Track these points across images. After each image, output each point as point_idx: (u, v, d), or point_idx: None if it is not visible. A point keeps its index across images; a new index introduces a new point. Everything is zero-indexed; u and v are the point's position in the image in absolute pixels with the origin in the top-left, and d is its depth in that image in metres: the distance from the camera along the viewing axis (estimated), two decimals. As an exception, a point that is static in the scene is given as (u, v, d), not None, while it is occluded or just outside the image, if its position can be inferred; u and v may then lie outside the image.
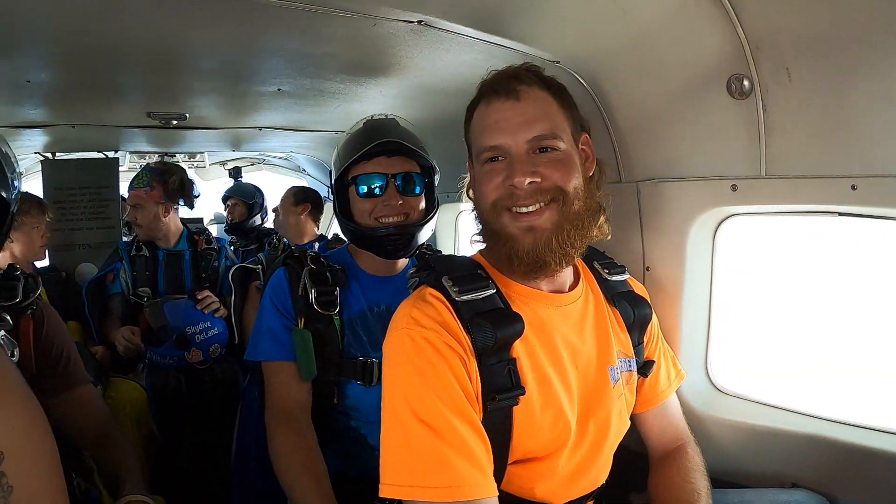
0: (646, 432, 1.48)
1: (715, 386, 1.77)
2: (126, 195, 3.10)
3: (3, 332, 1.43)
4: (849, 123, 1.28)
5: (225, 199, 4.56)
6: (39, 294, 1.68)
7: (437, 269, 1.23)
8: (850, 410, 1.53)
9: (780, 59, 1.31)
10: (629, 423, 1.36)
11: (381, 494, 1.03)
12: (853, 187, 1.30)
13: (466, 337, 1.13)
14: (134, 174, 3.20)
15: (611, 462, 1.33)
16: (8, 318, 1.47)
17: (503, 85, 1.19)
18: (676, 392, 1.54)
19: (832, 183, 1.33)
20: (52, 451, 1.06)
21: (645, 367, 1.41)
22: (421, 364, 1.08)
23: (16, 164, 1.55)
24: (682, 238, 1.67)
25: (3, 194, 1.51)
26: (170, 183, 2.98)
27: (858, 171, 1.29)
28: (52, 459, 1.05)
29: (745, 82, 1.38)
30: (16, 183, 1.54)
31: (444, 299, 1.16)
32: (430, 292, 1.19)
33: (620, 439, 1.34)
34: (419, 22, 1.47)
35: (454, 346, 1.10)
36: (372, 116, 1.77)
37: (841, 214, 1.41)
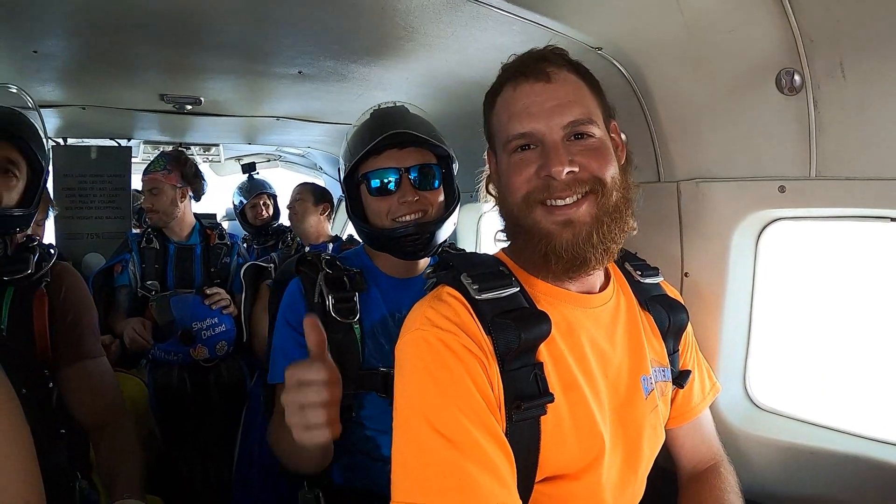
0: (677, 449, 1.46)
1: (753, 402, 1.75)
2: (141, 182, 3.16)
3: None
4: (905, 123, 1.26)
5: (250, 197, 4.46)
6: (56, 262, 1.73)
7: (456, 266, 1.20)
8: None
9: (834, 54, 1.30)
10: (664, 437, 1.33)
11: None
12: (908, 190, 1.28)
13: (487, 339, 1.09)
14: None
15: (645, 482, 1.30)
16: None
17: (531, 67, 1.17)
18: (712, 407, 1.52)
19: (886, 185, 1.31)
20: (26, 444, 1.04)
21: (681, 378, 1.38)
22: (437, 369, 1.04)
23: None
24: (724, 243, 1.66)
25: (41, 159, 1.62)
26: (186, 167, 3.09)
27: (914, 172, 1.28)
28: (24, 453, 1.03)
29: (796, 77, 1.37)
30: (48, 150, 1.66)
31: (463, 298, 1.14)
32: (447, 291, 1.16)
33: (655, 456, 1.31)
34: None
35: (473, 350, 1.06)
36: (379, 105, 1.75)
37: (894, 220, 1.40)
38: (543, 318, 1.11)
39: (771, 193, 1.52)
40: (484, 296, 1.12)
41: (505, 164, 1.20)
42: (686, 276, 1.76)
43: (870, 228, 1.52)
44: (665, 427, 1.37)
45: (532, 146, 1.15)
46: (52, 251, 1.75)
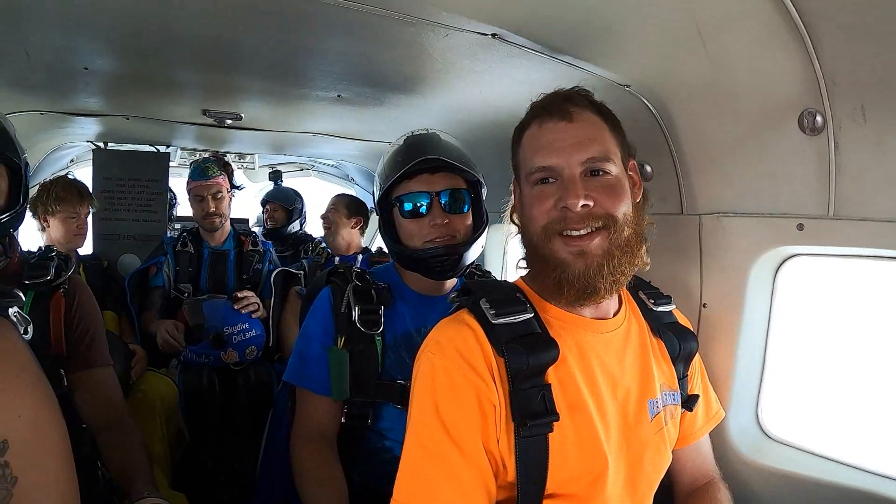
0: (678, 470, 1.51)
1: (765, 432, 1.78)
2: (197, 187, 3.25)
3: (15, 309, 1.47)
4: (923, 166, 1.29)
5: (264, 203, 4.71)
6: (74, 273, 1.81)
7: (476, 292, 1.28)
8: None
9: (855, 97, 1.33)
10: (670, 458, 1.38)
11: None
12: (923, 233, 1.31)
13: (499, 360, 1.18)
14: (184, 170, 3.40)
15: (651, 500, 1.35)
16: (21, 294, 1.53)
17: (556, 106, 1.24)
18: (723, 436, 1.58)
19: (901, 227, 1.34)
20: (63, 440, 1.05)
21: (690, 401, 1.44)
22: (435, 392, 1.17)
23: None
24: (742, 276, 1.69)
25: (15, 159, 1.65)
26: (232, 174, 3.25)
27: (929, 217, 1.30)
28: (61, 450, 1.04)
29: (818, 118, 1.40)
30: (23, 155, 1.69)
31: (479, 323, 1.22)
32: (465, 316, 1.25)
33: (662, 475, 1.36)
34: (493, 35, 1.53)
35: (471, 378, 1.16)
36: (413, 132, 1.80)
37: (910, 260, 1.42)
38: (552, 345, 1.19)
39: (789, 230, 1.55)
40: (500, 321, 1.21)
41: (527, 195, 1.28)
42: (704, 306, 1.80)
43: (887, 268, 1.55)
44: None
45: (552, 179, 1.22)
46: (69, 263, 1.84)
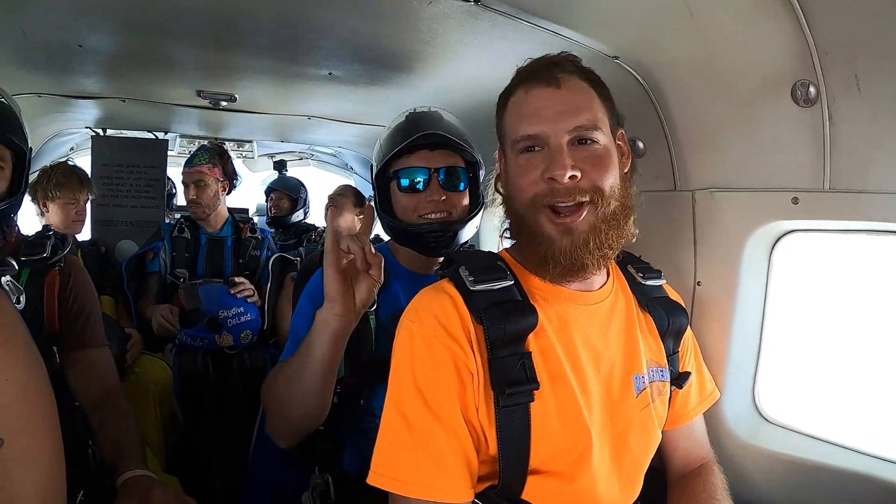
0: (669, 451, 1.49)
1: (761, 414, 1.74)
2: (183, 173, 3.28)
3: (8, 278, 1.50)
4: (920, 137, 1.26)
5: (268, 192, 4.73)
6: (70, 253, 1.84)
7: (456, 260, 1.27)
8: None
9: (849, 67, 1.30)
10: (659, 437, 1.36)
11: (367, 480, 1.12)
12: (920, 205, 1.28)
13: (478, 327, 1.16)
14: (184, 158, 3.40)
15: (640, 481, 1.33)
16: (14, 263, 1.56)
17: (543, 71, 1.21)
18: (718, 418, 1.56)
19: (899, 199, 1.31)
20: (50, 406, 1.06)
21: (680, 379, 1.41)
22: (413, 361, 1.16)
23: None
24: (736, 252, 1.66)
25: (22, 145, 1.68)
26: (228, 163, 3.23)
27: (927, 188, 1.27)
28: (49, 417, 1.05)
29: (812, 89, 1.37)
30: (28, 139, 1.72)
31: (457, 291, 1.20)
32: (445, 284, 1.24)
33: (650, 456, 1.34)
34: (476, 2, 1.50)
35: (449, 346, 1.14)
36: (415, 109, 1.80)
37: (907, 234, 1.39)
38: (531, 311, 1.18)
39: (784, 205, 1.52)
40: (478, 287, 1.19)
41: (513, 164, 1.25)
42: (699, 284, 1.76)
43: (885, 243, 1.52)
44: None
45: (538, 148, 1.19)
46: (65, 242, 1.86)
